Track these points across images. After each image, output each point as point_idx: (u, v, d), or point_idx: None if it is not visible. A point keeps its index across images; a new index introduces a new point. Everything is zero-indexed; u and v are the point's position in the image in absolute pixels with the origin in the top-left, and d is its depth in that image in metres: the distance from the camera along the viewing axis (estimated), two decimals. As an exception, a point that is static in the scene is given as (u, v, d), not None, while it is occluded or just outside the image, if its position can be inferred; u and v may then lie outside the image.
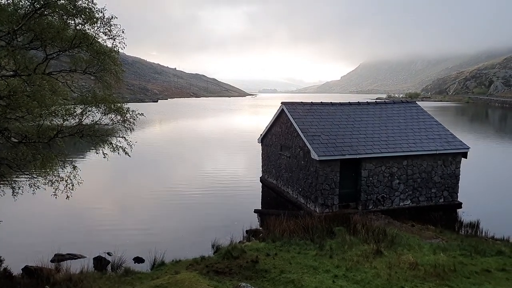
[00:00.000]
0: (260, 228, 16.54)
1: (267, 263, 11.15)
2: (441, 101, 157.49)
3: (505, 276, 9.86)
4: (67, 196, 11.87)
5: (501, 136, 52.16)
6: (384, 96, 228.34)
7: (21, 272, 11.91)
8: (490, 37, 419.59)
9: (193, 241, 15.31)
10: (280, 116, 20.72)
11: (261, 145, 23.73)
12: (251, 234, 15.48)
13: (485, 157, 33.52)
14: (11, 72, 10.85)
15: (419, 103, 23.16)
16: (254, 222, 17.39)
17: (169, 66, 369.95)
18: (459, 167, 18.87)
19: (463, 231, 16.05)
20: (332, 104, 20.68)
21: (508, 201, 20.94)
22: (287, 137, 20.03)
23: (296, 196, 19.39)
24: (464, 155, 18.86)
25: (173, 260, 12.16)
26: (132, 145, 12.61)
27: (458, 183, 18.94)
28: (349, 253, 11.60)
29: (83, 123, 11.82)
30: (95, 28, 11.41)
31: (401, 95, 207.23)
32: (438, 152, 18.18)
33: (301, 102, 20.51)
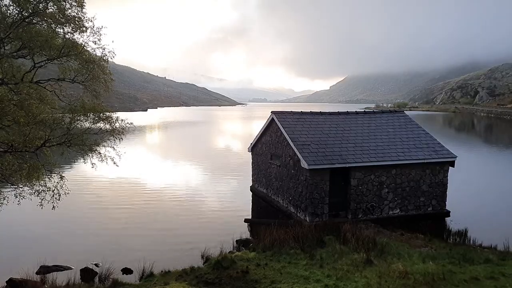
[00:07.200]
0: (250, 237, 16.45)
1: (258, 273, 11.08)
2: (428, 110, 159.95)
3: (493, 284, 9.94)
4: (53, 207, 11.69)
5: (487, 145, 53.08)
6: (372, 105, 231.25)
7: (5, 284, 11.61)
8: (475, 48, 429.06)
9: (183, 251, 15.13)
10: (270, 125, 20.78)
11: (251, 154, 23.72)
12: (241, 244, 15.37)
13: (472, 166, 34.01)
14: (-2, 81, 10.71)
15: (407, 112, 23.48)
16: (244, 231, 17.30)
17: (158, 75, 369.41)
18: (447, 176, 19.09)
19: (451, 240, 16.18)
20: (321, 113, 20.82)
21: (495, 209, 21.21)
22: (277, 146, 20.07)
23: (286, 205, 19.37)
24: (452, 164, 19.10)
25: (162, 271, 11.99)
26: (121, 155, 12.52)
27: (446, 191, 19.14)
28: (340, 262, 11.58)
29: (72, 132, 11.70)
30: (85, 37, 11.39)
31: (389, 105, 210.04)
32: (426, 161, 18.38)
33: (291, 111, 20.61)
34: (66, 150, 11.93)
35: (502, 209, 21.24)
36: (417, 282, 9.95)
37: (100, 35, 11.49)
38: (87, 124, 12.04)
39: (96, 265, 13.65)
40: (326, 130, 19.16)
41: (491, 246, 14.70)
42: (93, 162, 12.32)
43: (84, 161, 12.68)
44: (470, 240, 15.74)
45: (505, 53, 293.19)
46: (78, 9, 10.95)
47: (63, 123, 11.73)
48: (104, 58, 11.84)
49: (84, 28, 11.13)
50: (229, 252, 13.82)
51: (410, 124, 20.93)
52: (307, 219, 17.05)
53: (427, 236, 15.57)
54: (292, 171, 18.43)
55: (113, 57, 12.02)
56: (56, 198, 11.59)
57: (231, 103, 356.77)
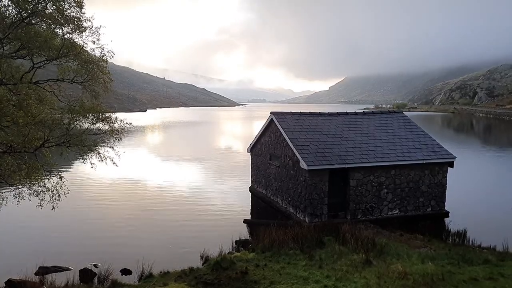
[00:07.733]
0: (250, 238, 16.44)
1: (257, 274, 11.07)
2: (427, 111, 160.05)
3: (492, 284, 9.94)
4: (53, 207, 11.68)
5: (486, 146, 53.14)
6: (371, 106, 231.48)
7: (4, 285, 11.60)
8: (474, 49, 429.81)
9: (182, 252, 15.13)
10: (269, 126, 20.78)
11: (251, 154, 23.72)
12: (240, 244, 15.36)
13: (471, 167, 34.03)
14: (-3, 81, 10.71)
15: (406, 113, 23.50)
16: (243, 232, 17.29)
17: (158, 76, 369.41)
18: (446, 177, 19.11)
19: (450, 240, 16.17)
20: (320, 114, 20.83)
21: (494, 210, 21.22)
22: (276, 146, 20.07)
23: (285, 206, 19.36)
24: (451, 164, 19.11)
25: (161, 272, 11.97)
26: (120, 155, 12.52)
27: (445, 192, 19.15)
28: (339, 263, 11.58)
29: (71, 132, 11.70)
30: (83, 37, 11.39)
31: (388, 106, 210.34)
32: (425, 161, 18.39)
33: (290, 112, 20.62)
34: (65, 151, 11.93)
35: (501, 210, 21.23)
36: (416, 283, 9.95)
37: (99, 35, 11.50)
38: (86, 125, 12.04)
39: (95, 265, 13.63)
40: (325, 130, 19.17)
41: (490, 246, 14.69)
42: (92, 162, 12.32)
43: (83, 162, 12.66)
44: (469, 240, 15.73)
45: (504, 53, 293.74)
46: (77, 10, 10.95)
47: (62, 123, 11.72)
48: (103, 58, 11.84)
49: (82, 28, 11.12)
50: (228, 252, 13.81)
51: (409, 125, 20.95)
52: (306, 220, 17.05)
53: (426, 237, 15.56)
54: (292, 172, 18.43)
55: (112, 57, 12.02)
56: (55, 199, 11.58)
57: (230, 103, 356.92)
